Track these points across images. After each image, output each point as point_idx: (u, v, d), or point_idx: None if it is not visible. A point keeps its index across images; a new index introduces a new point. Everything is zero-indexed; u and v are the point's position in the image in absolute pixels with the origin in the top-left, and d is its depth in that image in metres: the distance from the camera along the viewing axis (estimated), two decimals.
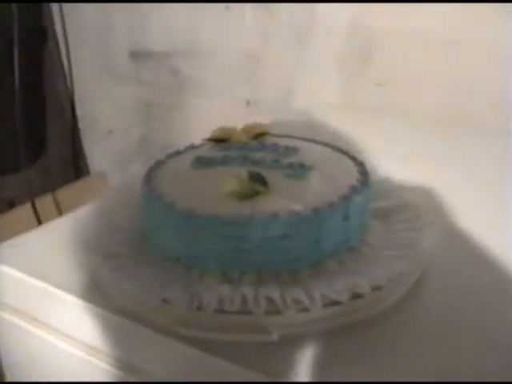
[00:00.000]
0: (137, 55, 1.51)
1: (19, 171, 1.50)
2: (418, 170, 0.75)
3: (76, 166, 1.74)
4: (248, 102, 1.34)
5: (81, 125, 1.73)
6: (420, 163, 0.81)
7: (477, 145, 0.92)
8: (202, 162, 0.62)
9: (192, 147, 0.68)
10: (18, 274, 0.62)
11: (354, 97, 1.18)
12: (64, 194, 1.55)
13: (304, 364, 0.48)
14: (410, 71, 1.10)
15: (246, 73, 1.33)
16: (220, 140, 0.67)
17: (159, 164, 0.64)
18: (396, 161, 0.72)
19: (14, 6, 1.40)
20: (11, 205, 1.53)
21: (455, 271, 0.60)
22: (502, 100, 1.00)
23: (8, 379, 0.71)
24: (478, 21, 1.00)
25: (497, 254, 0.62)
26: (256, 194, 0.55)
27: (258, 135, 0.67)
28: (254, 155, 0.62)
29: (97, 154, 1.74)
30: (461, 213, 0.69)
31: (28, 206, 1.45)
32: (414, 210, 0.63)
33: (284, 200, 0.54)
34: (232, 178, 0.56)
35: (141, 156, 1.57)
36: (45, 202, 1.50)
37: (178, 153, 0.67)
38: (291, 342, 0.49)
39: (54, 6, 1.61)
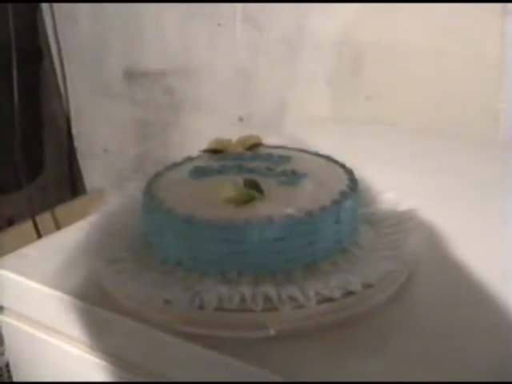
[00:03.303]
0: (131, 74, 1.54)
1: (18, 190, 1.52)
2: (407, 179, 0.78)
3: (73, 185, 1.75)
4: (241, 118, 1.37)
5: (77, 144, 1.75)
6: (408, 172, 0.84)
7: (466, 154, 0.95)
8: (199, 172, 0.65)
9: (189, 159, 0.71)
10: (23, 281, 0.65)
11: (344, 110, 1.20)
12: (62, 211, 1.57)
13: (299, 357, 0.51)
14: (399, 84, 1.12)
15: (238, 89, 1.36)
16: (216, 151, 0.70)
17: (159, 175, 0.67)
18: (384, 170, 0.75)
19: (11, 27, 1.43)
20: (10, 223, 1.55)
21: (441, 272, 0.63)
22: (490, 109, 1.03)
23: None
24: (464, 32, 1.03)
25: (481, 254, 0.65)
26: (251, 199, 0.58)
27: (252, 146, 0.70)
28: (249, 164, 0.65)
29: (93, 172, 1.75)
30: (447, 218, 0.72)
31: (28, 223, 1.47)
32: (401, 215, 0.66)
33: (278, 205, 0.57)
34: (229, 185, 0.59)
35: (137, 174, 1.59)
36: (44, 220, 1.52)
37: (176, 164, 0.70)
38: (287, 337, 0.52)
39: (49, 27, 1.63)
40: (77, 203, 1.65)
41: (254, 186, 0.59)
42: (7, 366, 1.18)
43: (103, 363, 0.61)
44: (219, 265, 0.56)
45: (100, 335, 0.61)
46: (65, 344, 0.64)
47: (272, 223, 0.55)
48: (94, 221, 0.68)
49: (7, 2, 1.45)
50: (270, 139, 0.74)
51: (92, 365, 0.62)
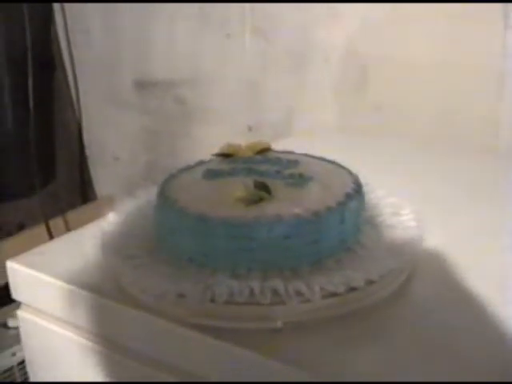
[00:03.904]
0: (142, 84, 1.57)
1: (30, 196, 1.54)
2: (409, 186, 0.80)
3: (84, 191, 1.78)
4: (250, 128, 1.40)
5: (88, 152, 1.78)
6: (411, 180, 0.87)
7: (467, 163, 0.98)
8: (211, 174, 0.68)
9: (201, 162, 0.74)
10: (40, 277, 0.68)
11: (350, 120, 1.23)
12: (73, 216, 1.60)
13: (304, 348, 0.54)
14: (405, 95, 1.15)
15: (247, 99, 1.38)
16: (227, 155, 0.73)
17: (172, 177, 0.70)
18: (388, 178, 0.77)
19: (28, 36, 1.46)
20: (21, 228, 1.58)
21: (440, 271, 0.66)
22: (491, 120, 1.05)
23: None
24: (465, 44, 1.06)
25: (480, 257, 0.68)
26: (261, 200, 0.61)
27: (261, 151, 0.73)
28: (259, 167, 0.68)
29: (104, 180, 1.78)
30: (447, 223, 0.75)
31: (41, 227, 1.49)
32: (402, 217, 0.69)
33: (286, 205, 0.60)
34: (239, 186, 0.62)
35: (147, 182, 1.61)
36: (55, 225, 1.54)
37: (189, 167, 0.73)
38: (294, 330, 0.55)
39: (62, 38, 1.67)
40: (87, 209, 1.67)
41: (263, 187, 0.62)
42: (19, 365, 1.21)
43: (118, 356, 0.64)
44: (230, 261, 0.59)
45: (115, 329, 0.63)
46: (81, 338, 0.67)
47: (280, 222, 0.58)
48: (109, 222, 0.71)
49: (22, 1, 1.48)
50: (277, 147, 0.77)
51: (106, 358, 0.65)
